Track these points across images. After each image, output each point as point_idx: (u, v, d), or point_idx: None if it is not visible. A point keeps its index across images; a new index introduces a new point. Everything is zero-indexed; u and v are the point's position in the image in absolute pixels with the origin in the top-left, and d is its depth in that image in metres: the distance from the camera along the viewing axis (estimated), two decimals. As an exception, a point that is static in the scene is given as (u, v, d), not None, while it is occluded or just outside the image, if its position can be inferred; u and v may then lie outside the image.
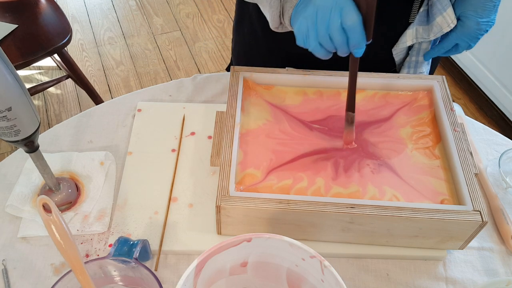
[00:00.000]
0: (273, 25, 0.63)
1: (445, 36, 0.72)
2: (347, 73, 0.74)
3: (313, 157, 0.65)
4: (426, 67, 0.82)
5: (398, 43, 0.77)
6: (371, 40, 0.56)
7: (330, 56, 0.59)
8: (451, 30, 0.68)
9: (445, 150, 0.67)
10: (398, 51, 0.79)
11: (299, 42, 0.58)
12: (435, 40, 0.75)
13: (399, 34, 0.76)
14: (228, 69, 1.04)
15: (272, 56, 0.84)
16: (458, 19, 0.67)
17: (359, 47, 0.56)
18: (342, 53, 0.57)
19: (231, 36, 1.07)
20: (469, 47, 0.71)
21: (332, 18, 0.54)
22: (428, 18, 0.73)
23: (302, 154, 0.66)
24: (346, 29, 0.54)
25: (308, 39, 0.56)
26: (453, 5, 0.67)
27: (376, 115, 0.72)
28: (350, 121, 0.66)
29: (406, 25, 0.75)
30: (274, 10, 0.60)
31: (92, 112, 0.81)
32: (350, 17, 0.53)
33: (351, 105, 0.65)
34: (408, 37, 0.75)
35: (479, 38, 0.69)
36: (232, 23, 1.16)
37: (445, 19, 0.70)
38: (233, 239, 0.46)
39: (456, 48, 0.73)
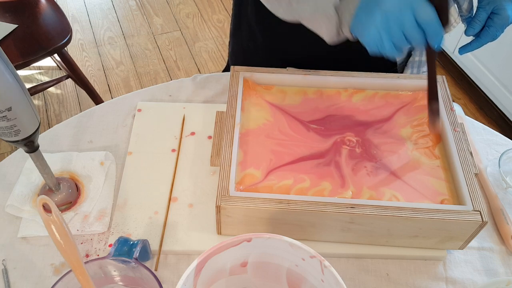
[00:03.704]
0: (330, 38, 0.61)
1: (483, 30, 0.70)
2: (347, 73, 0.74)
3: (313, 162, 0.65)
4: None
5: None
6: (448, 25, 0.54)
7: (405, 54, 0.57)
8: (490, 24, 0.67)
9: (445, 150, 0.67)
10: None
11: (372, 49, 0.56)
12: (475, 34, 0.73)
13: None
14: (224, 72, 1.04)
15: (271, 58, 0.83)
16: (492, 13, 0.66)
17: (437, 37, 0.54)
18: (419, 47, 0.56)
19: (231, 36, 1.07)
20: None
21: (405, 17, 0.52)
22: None
23: (300, 158, 0.65)
24: (422, 24, 0.53)
25: (382, 44, 0.55)
26: (481, 3, 0.66)
27: (376, 115, 0.72)
28: (435, 111, 0.63)
29: None
30: (332, 24, 0.59)
31: (92, 112, 0.81)
32: (425, 12, 0.52)
33: (434, 93, 0.62)
34: None
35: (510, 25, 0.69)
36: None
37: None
38: (233, 239, 0.46)
39: (493, 38, 0.72)
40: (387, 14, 0.53)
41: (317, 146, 0.67)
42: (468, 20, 0.70)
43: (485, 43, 0.68)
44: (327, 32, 0.60)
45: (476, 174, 0.62)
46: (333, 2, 0.57)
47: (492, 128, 0.82)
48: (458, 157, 0.63)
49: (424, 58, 0.80)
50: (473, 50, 0.70)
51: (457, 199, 0.61)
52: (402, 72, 0.83)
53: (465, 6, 0.70)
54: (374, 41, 0.55)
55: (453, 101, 0.98)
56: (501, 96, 1.73)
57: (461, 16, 0.71)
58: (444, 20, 0.53)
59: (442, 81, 0.74)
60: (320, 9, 0.58)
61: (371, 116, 0.72)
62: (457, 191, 0.62)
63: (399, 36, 0.54)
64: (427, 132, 0.69)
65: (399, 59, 0.80)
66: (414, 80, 0.74)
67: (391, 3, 0.53)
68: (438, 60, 2.03)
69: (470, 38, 0.69)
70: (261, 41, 0.84)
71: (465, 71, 1.89)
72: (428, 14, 0.52)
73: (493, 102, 1.79)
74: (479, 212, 0.58)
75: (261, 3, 0.66)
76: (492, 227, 0.69)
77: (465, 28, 0.68)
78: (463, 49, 0.70)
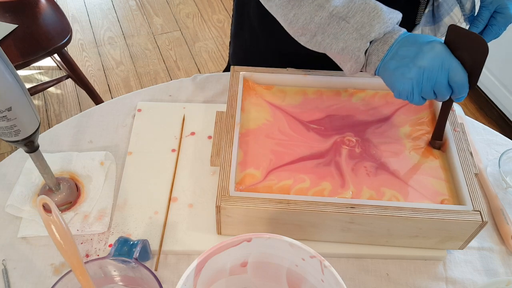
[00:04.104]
0: (350, 73, 0.64)
1: (485, 29, 0.71)
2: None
3: (313, 162, 0.65)
4: None
5: None
6: (474, 87, 0.58)
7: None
8: (493, 23, 0.67)
9: (445, 150, 0.66)
10: None
11: (400, 97, 0.59)
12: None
13: None
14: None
15: (273, 60, 0.83)
16: (495, 12, 0.66)
17: (463, 97, 0.59)
18: (442, 100, 0.60)
19: (231, 36, 1.06)
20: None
21: (439, 77, 0.56)
22: (434, 18, 0.73)
23: (301, 158, 0.65)
24: (453, 85, 0.56)
25: (412, 96, 0.58)
26: (484, 2, 0.67)
27: (376, 115, 0.72)
28: (436, 147, 0.67)
29: (412, 26, 0.75)
30: (358, 64, 0.61)
31: (92, 112, 0.81)
32: (459, 76, 0.56)
33: (438, 135, 0.67)
34: None
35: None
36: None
37: (453, 19, 0.70)
38: (233, 239, 0.46)
39: (496, 36, 0.73)
40: (424, 71, 0.56)
41: (317, 146, 0.67)
42: (471, 19, 0.70)
43: (488, 42, 0.69)
44: (350, 69, 0.62)
45: (476, 174, 0.62)
46: (364, 48, 0.59)
47: (492, 128, 0.82)
48: (458, 157, 0.63)
49: None
50: None
51: (457, 199, 0.61)
52: None
53: (467, 5, 0.70)
54: (405, 92, 0.58)
55: (453, 101, 0.98)
56: (501, 96, 1.73)
57: (463, 15, 0.72)
58: (472, 83, 0.57)
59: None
60: (349, 51, 0.60)
61: (371, 116, 0.72)
62: (457, 191, 0.62)
63: (429, 91, 0.57)
64: (427, 132, 0.69)
65: None
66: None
67: (428, 61, 0.56)
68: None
69: None
70: (263, 43, 0.84)
71: (465, 71, 1.89)
72: (461, 77, 0.56)
73: (493, 102, 1.79)
74: (479, 212, 0.58)
75: (264, 6, 0.66)
76: (492, 227, 0.69)
77: (468, 27, 0.68)
78: None
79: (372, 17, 0.57)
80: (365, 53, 0.60)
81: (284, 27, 0.65)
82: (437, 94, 0.58)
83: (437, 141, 0.67)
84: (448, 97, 0.58)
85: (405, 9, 0.73)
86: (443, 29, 0.72)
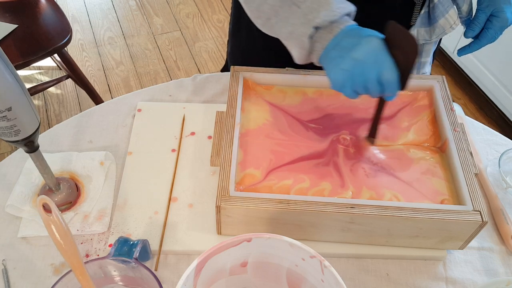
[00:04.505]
0: (298, 60, 0.64)
1: (482, 32, 0.71)
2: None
3: (312, 162, 0.65)
4: (428, 67, 0.82)
5: None
6: (404, 89, 0.58)
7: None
8: (489, 27, 0.67)
9: (445, 150, 0.66)
10: None
11: (334, 88, 0.60)
12: (474, 36, 0.73)
13: None
14: (222, 71, 1.04)
15: (271, 59, 0.83)
16: (491, 15, 0.66)
17: (392, 96, 0.59)
18: (374, 97, 0.60)
19: (231, 36, 1.06)
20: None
21: (370, 73, 0.56)
22: (430, 20, 0.73)
23: (300, 157, 0.65)
24: (384, 84, 0.56)
25: (344, 88, 0.58)
26: (480, 6, 0.67)
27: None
28: (370, 142, 0.68)
29: (407, 27, 0.75)
30: (304, 50, 0.61)
31: (92, 112, 0.81)
32: (389, 74, 0.55)
33: (373, 133, 0.67)
34: None
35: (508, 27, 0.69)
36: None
37: (448, 21, 0.70)
38: (233, 239, 0.46)
39: (492, 40, 0.72)
40: (356, 63, 0.56)
41: (315, 146, 0.67)
42: (467, 22, 0.70)
43: (484, 45, 0.69)
44: (297, 55, 0.63)
45: (476, 174, 0.62)
46: (309, 33, 0.59)
47: (492, 128, 0.82)
48: (458, 157, 0.63)
49: (423, 59, 0.80)
50: (472, 52, 0.71)
51: (457, 199, 0.61)
52: None
53: (464, 8, 0.70)
54: (337, 82, 0.58)
55: (453, 101, 0.98)
56: (501, 96, 1.73)
57: (460, 18, 0.71)
58: (403, 84, 0.57)
59: (442, 81, 0.74)
60: (295, 36, 0.60)
61: (371, 115, 0.71)
62: (457, 191, 0.62)
63: (360, 86, 0.57)
64: (427, 132, 0.69)
65: None
66: (414, 80, 0.74)
67: (363, 55, 0.55)
68: (438, 60, 2.04)
69: (469, 40, 0.69)
70: (260, 42, 0.84)
71: (465, 71, 1.89)
72: (391, 77, 0.55)
73: (493, 102, 1.79)
74: (479, 212, 0.58)
75: None
76: (492, 227, 0.69)
77: (464, 30, 0.68)
78: (462, 51, 0.70)
79: (321, 4, 0.57)
80: (311, 39, 0.60)
81: (243, 7, 0.65)
82: (368, 89, 0.57)
83: (371, 138, 0.67)
84: (379, 94, 0.58)
85: (400, 10, 0.73)
86: (438, 31, 0.72)
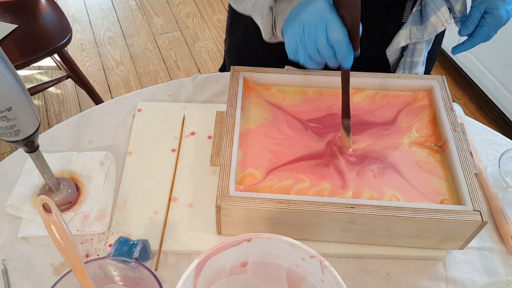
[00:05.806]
0: (266, 36, 0.64)
1: (475, 30, 0.70)
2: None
3: (312, 162, 0.65)
4: (421, 68, 0.82)
5: (392, 43, 0.77)
6: (358, 51, 0.56)
7: (322, 67, 0.59)
8: (483, 24, 0.67)
9: (445, 150, 0.66)
10: (392, 52, 0.79)
11: (290, 55, 0.59)
12: (469, 34, 0.73)
13: (392, 35, 0.76)
14: (221, 70, 1.04)
15: (267, 57, 0.84)
16: (485, 12, 0.66)
17: (346, 59, 0.57)
18: (332, 65, 0.58)
19: (231, 36, 1.06)
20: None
21: (318, 33, 0.55)
22: (422, 18, 0.73)
23: (299, 157, 0.65)
24: (333, 44, 0.55)
25: (297, 53, 0.58)
26: (474, 3, 0.67)
27: (375, 114, 0.71)
28: (346, 127, 0.66)
29: (399, 25, 0.75)
30: (266, 23, 0.62)
31: (92, 112, 0.81)
32: (335, 32, 0.54)
33: (346, 113, 0.65)
34: (402, 38, 0.75)
35: (503, 25, 0.69)
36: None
37: (439, 18, 0.70)
38: (233, 239, 0.46)
39: (486, 39, 0.72)
40: (304, 25, 0.55)
41: (314, 146, 0.67)
42: (462, 19, 0.70)
43: (478, 43, 0.69)
44: (263, 30, 0.63)
45: (476, 174, 0.62)
46: (268, 4, 0.59)
47: (492, 128, 0.82)
48: (458, 157, 0.63)
49: (415, 59, 0.80)
50: (466, 50, 0.71)
51: (457, 199, 0.61)
52: (393, 73, 0.83)
53: (457, 7, 0.70)
54: (291, 48, 0.58)
55: (453, 101, 0.98)
56: (501, 96, 1.73)
57: (454, 18, 0.71)
58: (354, 44, 0.55)
59: (442, 81, 0.74)
60: (257, 7, 0.61)
61: (371, 115, 0.71)
62: (457, 191, 0.62)
63: (313, 49, 0.56)
64: (427, 132, 0.69)
65: (391, 60, 0.81)
66: (414, 80, 0.74)
67: (308, 16, 0.55)
68: (438, 60, 2.04)
69: (465, 38, 0.69)
70: (256, 40, 0.84)
71: (465, 71, 1.89)
72: (338, 35, 0.54)
73: (493, 102, 1.79)
74: (479, 212, 0.58)
75: None
76: (492, 227, 0.69)
77: (459, 28, 0.68)
78: (456, 49, 0.70)
79: None
80: (271, 11, 0.60)
81: None
82: (320, 53, 0.56)
83: (346, 119, 0.65)
84: (333, 59, 0.57)
85: (392, 7, 0.73)
86: (430, 29, 0.72)
